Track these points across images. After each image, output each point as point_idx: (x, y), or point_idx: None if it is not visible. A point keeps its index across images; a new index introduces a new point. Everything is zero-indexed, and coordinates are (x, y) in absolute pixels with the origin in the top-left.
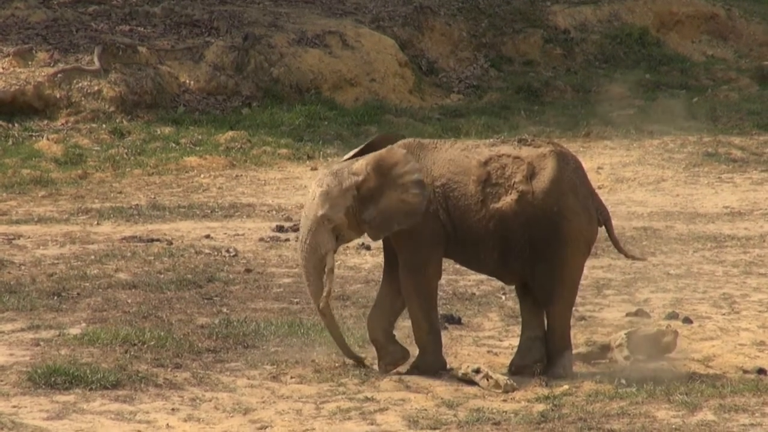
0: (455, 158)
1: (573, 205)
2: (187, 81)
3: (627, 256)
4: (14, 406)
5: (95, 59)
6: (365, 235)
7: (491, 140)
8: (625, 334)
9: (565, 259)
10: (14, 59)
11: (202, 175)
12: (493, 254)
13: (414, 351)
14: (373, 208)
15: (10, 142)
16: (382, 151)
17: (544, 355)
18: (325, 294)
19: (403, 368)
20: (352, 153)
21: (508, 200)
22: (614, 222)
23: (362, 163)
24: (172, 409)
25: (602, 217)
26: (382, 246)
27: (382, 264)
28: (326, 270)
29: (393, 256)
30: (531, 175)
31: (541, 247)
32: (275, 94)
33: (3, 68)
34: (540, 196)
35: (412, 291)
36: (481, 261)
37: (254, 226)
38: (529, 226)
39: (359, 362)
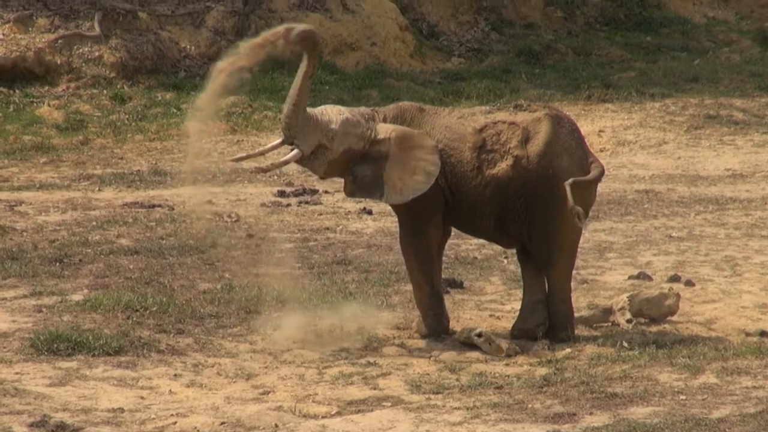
0: (451, 125)
1: (568, 166)
2: (188, 46)
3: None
4: (17, 373)
5: (96, 25)
6: (325, 180)
7: (488, 107)
8: (628, 297)
9: (563, 221)
10: (15, 25)
11: (203, 141)
12: (490, 220)
13: (413, 316)
14: (369, 168)
15: (11, 109)
16: (416, 131)
17: (546, 318)
18: (267, 166)
19: (405, 332)
20: (386, 107)
21: (503, 166)
22: (616, 185)
23: (389, 128)
24: (175, 375)
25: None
26: (383, 211)
27: (384, 229)
28: (283, 158)
29: None
30: (526, 140)
31: (538, 211)
32: (276, 59)
33: (3, 34)
34: (535, 160)
35: (412, 255)
36: (479, 226)
37: (256, 191)
38: (525, 190)
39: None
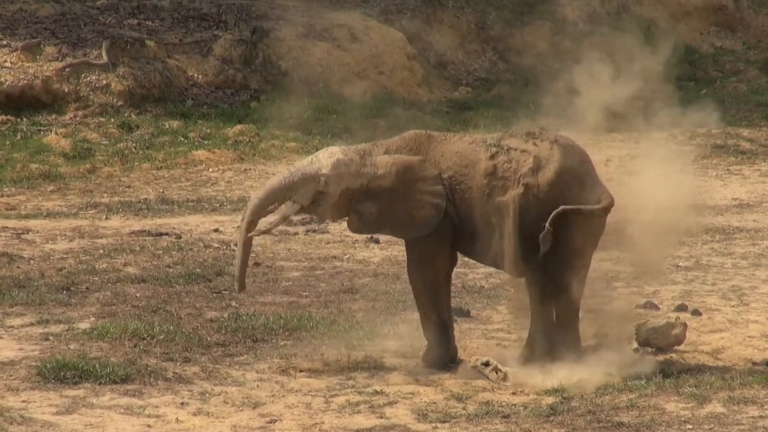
0: (463, 151)
1: (579, 197)
2: (195, 75)
3: None
4: (24, 401)
5: (103, 53)
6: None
7: (499, 134)
8: (635, 326)
9: (573, 252)
10: (22, 53)
11: (210, 169)
12: (499, 247)
13: (420, 344)
14: (374, 204)
15: (19, 137)
16: (415, 159)
17: (553, 347)
18: (267, 227)
19: (412, 361)
20: (389, 140)
21: (514, 193)
22: (623, 215)
23: (389, 161)
24: (182, 403)
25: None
26: (390, 239)
27: (391, 258)
28: (281, 213)
29: None
30: (537, 168)
31: None
32: (283, 88)
33: (11, 63)
34: (546, 189)
35: (420, 284)
36: (488, 254)
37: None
38: (535, 218)
39: (242, 288)
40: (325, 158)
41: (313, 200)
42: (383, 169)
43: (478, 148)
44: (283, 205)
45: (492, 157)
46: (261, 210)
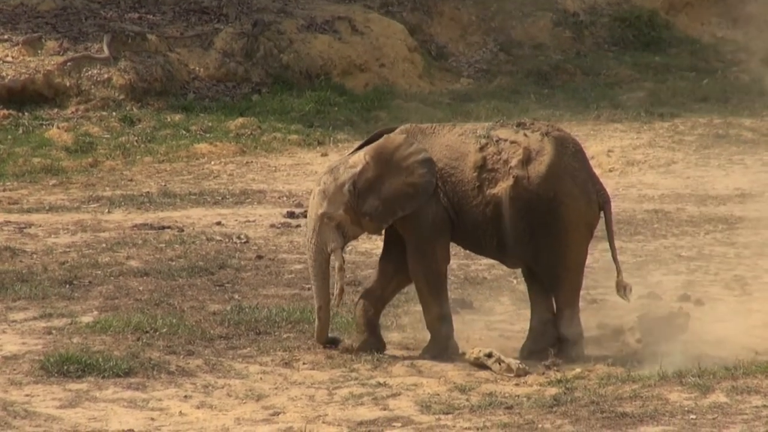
0: (452, 143)
1: (570, 189)
2: (197, 68)
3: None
4: (27, 395)
5: (104, 47)
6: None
7: (490, 124)
8: (637, 316)
9: (567, 243)
10: (24, 48)
11: (212, 162)
12: (492, 240)
13: (423, 336)
14: (374, 197)
15: (21, 131)
16: (380, 140)
17: (555, 338)
18: (337, 292)
19: (415, 353)
20: (353, 150)
21: (504, 186)
22: (625, 205)
23: (360, 155)
24: (185, 396)
25: (602, 201)
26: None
27: None
28: (336, 267)
29: (392, 245)
30: (527, 160)
31: (541, 233)
32: (285, 81)
33: (13, 57)
34: (536, 181)
35: (421, 276)
36: (482, 246)
37: (265, 212)
38: (526, 211)
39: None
40: (312, 202)
41: (342, 234)
42: (360, 164)
43: (467, 140)
44: (335, 261)
45: (481, 149)
46: (326, 290)
